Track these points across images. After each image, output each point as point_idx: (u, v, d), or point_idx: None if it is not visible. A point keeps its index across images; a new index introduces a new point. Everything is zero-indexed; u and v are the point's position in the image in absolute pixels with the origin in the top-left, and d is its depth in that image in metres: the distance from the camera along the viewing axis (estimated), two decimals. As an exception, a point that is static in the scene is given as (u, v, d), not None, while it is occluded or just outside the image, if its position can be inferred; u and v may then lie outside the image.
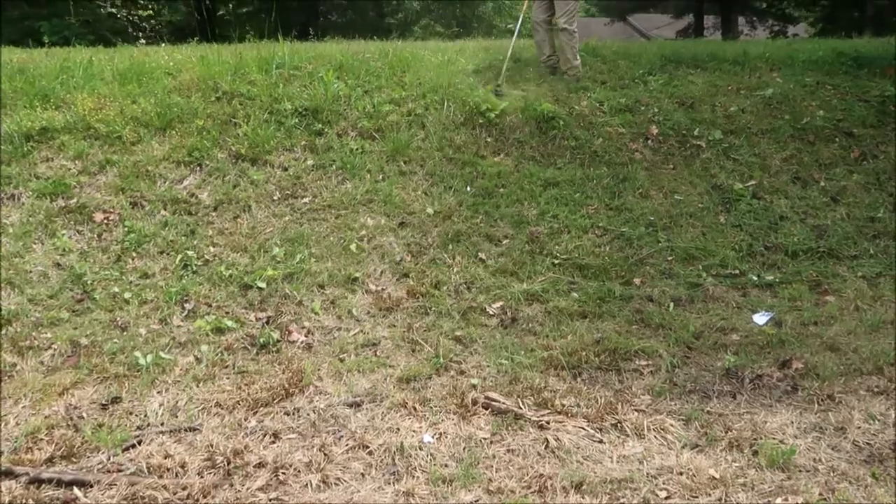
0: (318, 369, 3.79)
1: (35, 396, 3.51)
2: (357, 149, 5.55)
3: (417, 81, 6.28)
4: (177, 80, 5.94)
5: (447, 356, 3.91)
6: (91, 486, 2.94)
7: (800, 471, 3.04)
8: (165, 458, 3.11)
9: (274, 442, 3.25)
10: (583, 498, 2.88)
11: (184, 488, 2.94)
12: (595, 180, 5.59)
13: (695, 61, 7.42)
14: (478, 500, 2.88)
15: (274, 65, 6.17)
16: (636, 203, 5.43)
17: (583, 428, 3.36)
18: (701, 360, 3.98)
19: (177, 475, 3.03)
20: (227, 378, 3.72)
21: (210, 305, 4.25)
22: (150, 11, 24.17)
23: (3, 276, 4.23)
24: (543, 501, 2.87)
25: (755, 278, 4.83)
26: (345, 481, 2.99)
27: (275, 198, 5.10)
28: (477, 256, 4.83)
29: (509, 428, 3.34)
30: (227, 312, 4.21)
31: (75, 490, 2.92)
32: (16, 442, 3.19)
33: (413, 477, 3.01)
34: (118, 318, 4.08)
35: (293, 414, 3.44)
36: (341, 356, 3.93)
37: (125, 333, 3.98)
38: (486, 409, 3.48)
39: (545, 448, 3.20)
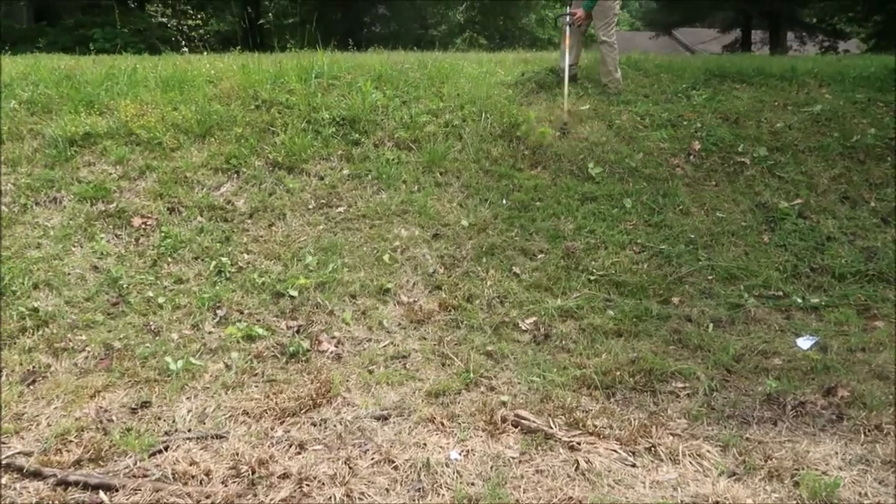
0: (347, 380, 3.75)
1: (67, 398, 3.54)
2: (393, 159, 5.53)
3: (455, 93, 6.26)
4: (217, 88, 6.01)
5: (477, 371, 3.84)
6: (116, 491, 2.94)
7: (844, 505, 2.89)
8: (191, 465, 3.09)
9: (299, 453, 3.21)
10: (613, 524, 2.78)
11: (207, 497, 2.91)
12: (634, 196, 5.48)
13: (740, 76, 7.26)
14: (504, 522, 2.80)
15: (313, 74, 6.21)
16: (676, 220, 5.31)
17: (615, 451, 3.25)
18: (740, 384, 3.84)
19: (201, 483, 3.00)
20: (256, 386, 3.71)
21: (242, 312, 4.25)
22: (199, 21, 24.72)
23: (42, 277, 4.30)
24: (572, 526, 2.78)
25: (800, 301, 4.67)
26: (369, 496, 2.94)
27: (310, 206, 5.10)
28: (511, 270, 4.76)
29: (539, 448, 3.25)
30: (258, 320, 4.21)
31: (101, 494, 2.92)
32: (46, 443, 3.21)
33: (438, 495, 2.94)
34: (151, 323, 4.11)
35: (320, 425, 3.40)
36: (370, 368, 3.88)
37: (157, 338, 4.00)
38: (516, 427, 3.40)
39: (575, 470, 3.10)
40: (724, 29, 30.19)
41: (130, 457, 3.14)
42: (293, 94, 5.96)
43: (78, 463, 3.11)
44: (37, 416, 3.40)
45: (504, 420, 3.43)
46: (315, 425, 3.40)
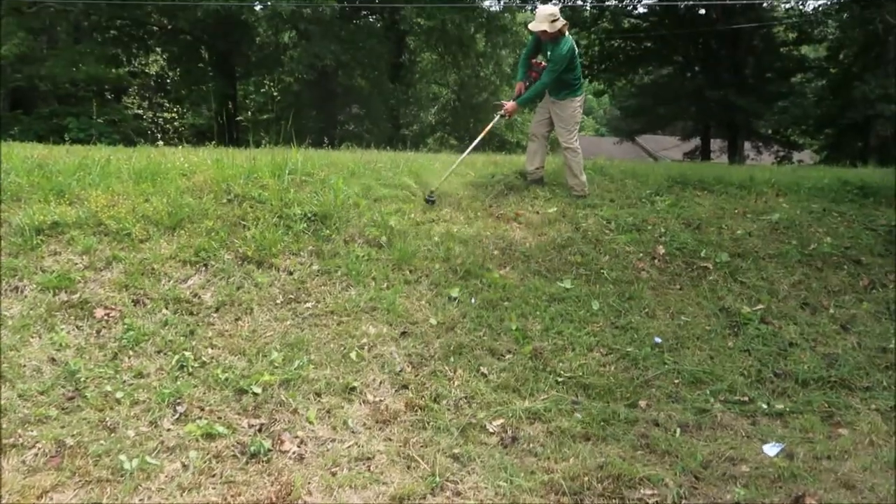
0: (309, 483, 3.63)
1: (12, 498, 3.36)
2: (363, 256, 5.57)
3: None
4: (190, 181, 6.06)
5: (444, 475, 3.74)
6: None
7: None
8: (139, 574, 2.93)
9: (255, 561, 3.06)
10: None
11: None
12: (601, 298, 5.55)
13: (701, 183, 7.54)
14: None
15: (287, 170, 6.30)
16: (642, 323, 5.37)
17: (583, 561, 3.16)
18: (709, 491, 3.79)
19: None
20: (214, 488, 3.56)
21: (203, 409, 4.13)
22: (174, 114, 25.10)
23: (-4, 369, 4.16)
24: None
25: (765, 406, 4.69)
26: None
27: (278, 301, 5.07)
28: (479, 370, 4.73)
29: (505, 558, 3.15)
30: (219, 417, 4.09)
31: None
32: (-16, 549, 3.03)
33: None
34: (107, 419, 3.96)
35: (278, 531, 3.27)
36: (333, 470, 3.77)
37: (113, 435, 3.85)
38: (482, 535, 3.30)
39: (543, 582, 3.00)
40: (684, 137, 31.58)
41: (75, 564, 2.97)
42: (266, 189, 6.02)
43: (17, 571, 2.93)
44: (-23, 518, 3.22)
45: (470, 527, 3.34)
46: (273, 531, 3.27)
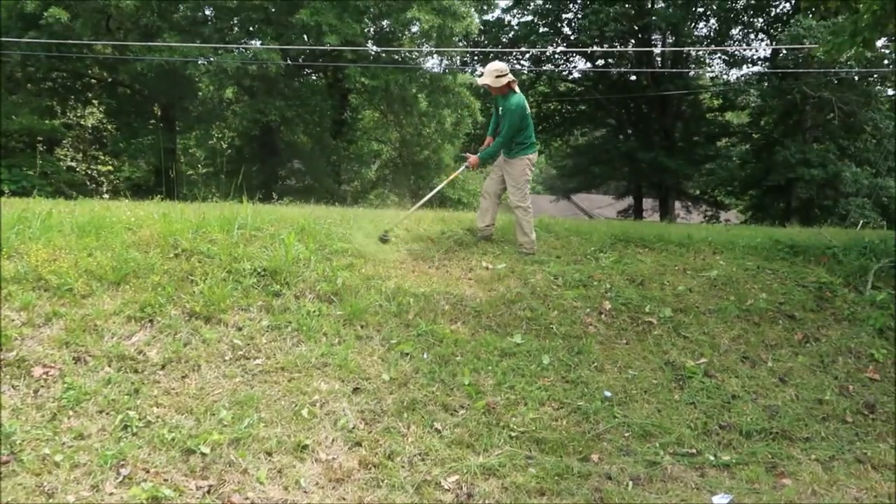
0: (261, 546, 3.51)
1: (-61, 572, 3.14)
2: (314, 311, 5.52)
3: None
4: (136, 236, 5.93)
5: (400, 535, 3.68)
6: None
7: None
8: None
9: None
10: None
11: None
12: (551, 352, 5.62)
13: (642, 241, 7.78)
14: None
15: (236, 225, 6.24)
16: (592, 377, 5.45)
17: None
18: (664, 544, 3.83)
19: None
20: (160, 555, 3.41)
21: (148, 471, 3.97)
22: (110, 167, 24.59)
23: (-76, 432, 3.92)
24: None
25: (712, 458, 4.79)
26: None
27: (226, 358, 4.96)
28: (433, 426, 4.70)
29: None
30: (165, 479, 3.93)
31: None
32: None
33: None
34: (45, 483, 3.77)
35: None
36: (287, 532, 3.66)
37: (51, 500, 3.67)
38: None
39: None
40: (618, 196, 32.65)
41: None
42: (214, 243, 5.94)
43: None
44: None
45: (430, 588, 3.27)
46: None
